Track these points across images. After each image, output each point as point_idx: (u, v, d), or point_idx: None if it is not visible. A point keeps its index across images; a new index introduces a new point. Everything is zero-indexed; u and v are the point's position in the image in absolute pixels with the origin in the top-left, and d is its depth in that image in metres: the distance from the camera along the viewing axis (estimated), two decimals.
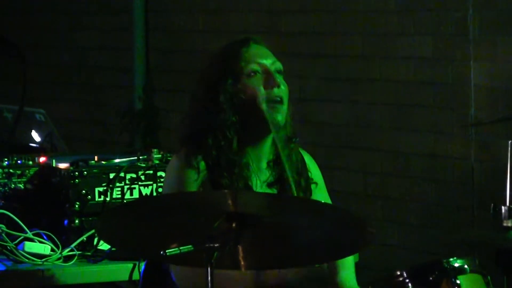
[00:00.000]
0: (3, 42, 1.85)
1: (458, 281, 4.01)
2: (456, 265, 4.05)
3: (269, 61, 4.79)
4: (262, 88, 4.72)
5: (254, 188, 4.77)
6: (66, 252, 5.81)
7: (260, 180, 4.76)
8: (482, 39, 7.61)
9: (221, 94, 4.71)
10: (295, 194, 4.79)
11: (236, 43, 4.90)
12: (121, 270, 5.53)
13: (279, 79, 4.76)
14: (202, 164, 4.73)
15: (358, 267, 5.03)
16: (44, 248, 5.80)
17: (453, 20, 7.79)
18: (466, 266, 4.05)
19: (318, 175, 4.99)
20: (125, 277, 5.40)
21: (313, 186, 4.90)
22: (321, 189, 4.96)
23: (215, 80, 4.79)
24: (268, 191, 4.82)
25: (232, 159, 4.70)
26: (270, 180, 4.78)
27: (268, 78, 4.69)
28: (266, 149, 4.77)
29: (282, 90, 4.75)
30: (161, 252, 3.91)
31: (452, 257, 4.13)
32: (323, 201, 4.82)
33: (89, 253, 5.85)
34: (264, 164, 4.79)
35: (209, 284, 3.73)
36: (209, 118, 4.77)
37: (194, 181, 4.69)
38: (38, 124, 6.98)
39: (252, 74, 4.74)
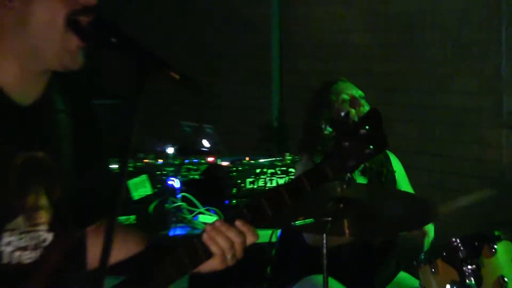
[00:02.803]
0: (184, 79, 1.86)
1: (495, 246, 4.00)
2: (497, 235, 4.04)
3: (353, 91, 4.85)
4: (352, 110, 4.74)
5: (357, 179, 4.79)
6: None
7: (359, 177, 4.80)
8: None
9: (321, 120, 4.81)
10: (378, 180, 4.85)
11: (328, 83, 4.98)
12: (263, 235, 5.55)
13: (363, 101, 4.82)
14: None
15: None
16: (212, 219, 5.86)
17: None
18: (501, 236, 4.04)
19: (400, 169, 4.99)
20: (266, 240, 5.45)
21: (397, 176, 4.93)
22: (404, 180, 4.98)
23: (316, 109, 4.91)
24: (361, 177, 4.84)
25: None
26: (363, 169, 4.82)
27: (355, 102, 4.78)
28: None
29: (365, 108, 4.79)
30: (292, 223, 3.98)
31: (493, 230, 4.11)
32: (403, 190, 4.86)
33: None
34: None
35: (324, 245, 3.75)
36: (315, 134, 4.85)
37: None
38: (208, 135, 7.06)
39: (344, 101, 4.81)
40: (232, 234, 2.41)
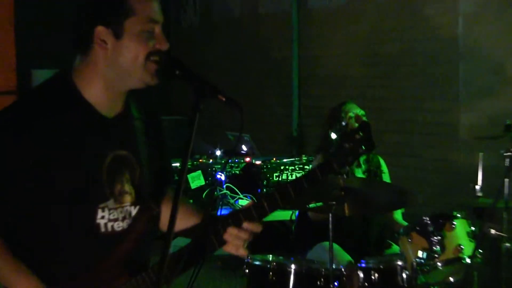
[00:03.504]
0: (229, 100, 1.85)
1: (454, 223, 4.00)
2: (455, 215, 4.03)
3: (357, 110, 4.81)
4: (356, 124, 4.70)
5: (356, 173, 4.77)
6: None
7: (358, 170, 4.81)
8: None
9: (333, 129, 4.76)
10: (373, 177, 4.86)
11: (339, 104, 4.93)
12: (286, 214, 5.55)
13: (364, 118, 4.74)
14: None
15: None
16: (248, 203, 5.88)
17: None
18: (458, 215, 4.03)
19: (386, 170, 4.99)
20: (288, 218, 5.44)
21: (383, 174, 4.94)
22: (387, 176, 4.98)
23: (330, 124, 4.84)
24: (362, 175, 4.82)
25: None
26: (364, 169, 4.83)
27: (358, 118, 4.69)
28: (363, 156, 4.81)
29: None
30: (307, 205, 3.99)
31: (453, 211, 4.11)
32: (387, 182, 4.88)
33: None
34: (362, 163, 4.83)
35: (330, 222, 3.73)
36: (329, 140, 4.78)
37: None
38: (245, 142, 7.06)
39: (350, 117, 4.76)
40: (241, 234, 2.39)
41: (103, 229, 2.27)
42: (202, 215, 2.57)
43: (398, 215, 4.87)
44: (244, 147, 6.95)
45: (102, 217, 2.26)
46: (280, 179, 6.28)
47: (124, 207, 2.32)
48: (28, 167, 2.17)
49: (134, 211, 2.35)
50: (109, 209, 2.28)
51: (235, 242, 2.41)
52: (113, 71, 2.24)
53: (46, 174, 2.19)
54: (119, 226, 2.30)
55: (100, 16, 2.19)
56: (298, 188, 2.46)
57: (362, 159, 4.87)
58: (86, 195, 2.25)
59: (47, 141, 2.18)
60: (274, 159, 6.52)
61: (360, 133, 2.47)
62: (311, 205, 3.99)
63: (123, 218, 2.32)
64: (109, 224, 2.28)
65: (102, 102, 2.27)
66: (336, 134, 4.73)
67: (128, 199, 2.33)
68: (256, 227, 2.43)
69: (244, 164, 6.48)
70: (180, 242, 2.40)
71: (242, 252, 2.44)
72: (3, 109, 2.26)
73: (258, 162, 6.43)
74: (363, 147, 2.46)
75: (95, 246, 2.27)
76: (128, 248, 2.30)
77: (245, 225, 2.41)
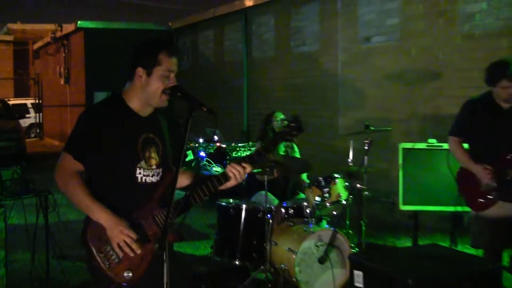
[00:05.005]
0: (209, 110, 1.79)
1: (336, 180, 3.94)
2: (336, 176, 3.98)
3: (281, 116, 4.65)
4: (281, 127, 4.56)
5: (280, 152, 4.59)
6: None
7: (281, 151, 4.66)
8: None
9: (268, 127, 4.64)
10: (289, 155, 4.71)
11: (271, 112, 4.71)
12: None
13: (285, 122, 4.55)
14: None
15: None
16: (218, 169, 5.74)
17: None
18: (339, 176, 3.97)
19: (297, 151, 4.84)
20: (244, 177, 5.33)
21: (295, 153, 4.80)
22: (297, 154, 4.84)
23: (265, 123, 4.65)
24: (283, 153, 4.69)
25: (275, 145, 4.59)
26: (283, 151, 4.69)
27: (282, 121, 4.56)
28: (284, 142, 4.67)
29: (285, 123, 4.59)
30: (255, 171, 3.88)
31: (335, 173, 4.04)
32: (298, 157, 4.77)
33: None
34: (282, 146, 4.70)
35: (266, 180, 3.57)
36: (264, 134, 4.66)
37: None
38: (217, 134, 6.97)
39: (277, 121, 4.62)
40: (239, 168, 2.28)
41: (139, 180, 2.22)
42: (193, 178, 2.47)
43: (304, 176, 4.76)
44: (216, 137, 6.86)
45: (139, 173, 2.21)
46: (236, 155, 6.17)
47: (153, 169, 2.25)
48: (98, 135, 2.17)
49: (160, 172, 2.27)
50: (144, 169, 2.22)
51: (236, 173, 2.28)
52: (143, 94, 2.23)
53: (106, 140, 2.17)
54: (150, 180, 2.24)
55: (141, 61, 2.23)
56: (251, 159, 2.35)
57: (283, 144, 4.70)
58: (128, 156, 2.22)
59: (106, 124, 2.19)
60: (233, 144, 6.43)
61: (293, 124, 2.33)
62: (255, 170, 3.90)
63: (153, 175, 2.25)
64: (143, 178, 2.23)
65: (138, 108, 2.25)
66: (270, 131, 4.58)
67: (153, 162, 2.26)
68: (249, 167, 2.30)
69: (216, 147, 6.39)
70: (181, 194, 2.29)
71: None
72: (91, 105, 2.36)
73: (224, 146, 6.35)
74: (294, 131, 2.31)
75: (135, 190, 2.22)
76: (157, 194, 2.25)
77: (243, 163, 2.30)
